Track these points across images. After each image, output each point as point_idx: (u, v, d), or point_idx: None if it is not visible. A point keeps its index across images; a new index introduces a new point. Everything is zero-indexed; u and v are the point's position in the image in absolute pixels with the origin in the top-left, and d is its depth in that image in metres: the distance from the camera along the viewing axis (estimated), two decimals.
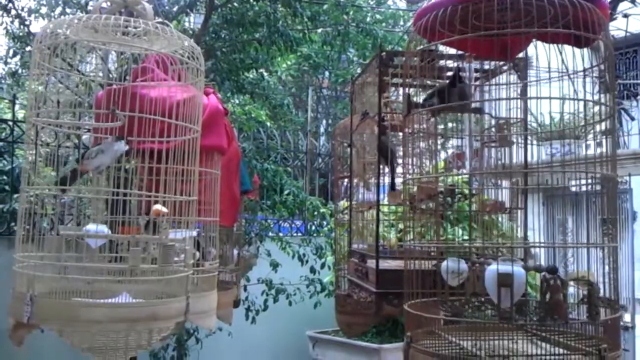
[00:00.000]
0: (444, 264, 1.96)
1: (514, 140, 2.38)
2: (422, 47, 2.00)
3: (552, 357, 1.63)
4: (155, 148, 2.47)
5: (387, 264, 2.43)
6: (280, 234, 5.66)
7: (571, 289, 1.72)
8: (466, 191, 2.60)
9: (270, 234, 5.33)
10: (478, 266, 1.94)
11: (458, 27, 1.96)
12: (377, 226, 2.53)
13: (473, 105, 2.25)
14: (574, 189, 2.27)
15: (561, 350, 1.70)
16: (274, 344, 5.61)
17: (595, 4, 1.88)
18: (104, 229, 2.32)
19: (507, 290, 1.59)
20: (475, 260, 1.96)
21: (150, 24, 2.12)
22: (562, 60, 2.04)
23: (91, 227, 2.30)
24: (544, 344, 1.80)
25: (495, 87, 2.46)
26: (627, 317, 6.07)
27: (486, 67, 2.56)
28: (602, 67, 1.99)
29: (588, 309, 1.64)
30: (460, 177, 2.91)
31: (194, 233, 2.27)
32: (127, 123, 2.17)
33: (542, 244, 2.54)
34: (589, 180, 1.96)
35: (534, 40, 2.05)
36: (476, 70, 2.57)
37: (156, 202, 2.15)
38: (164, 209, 2.14)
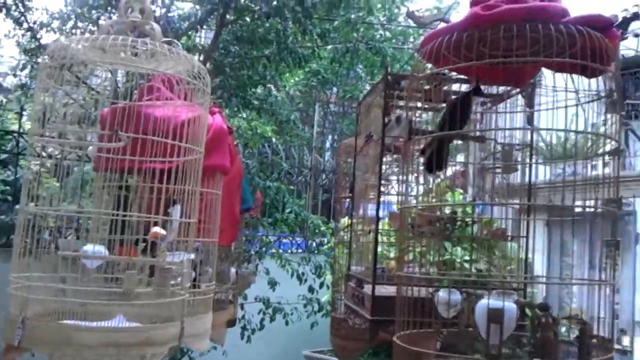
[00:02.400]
0: (438, 295, 1.92)
1: (518, 167, 2.34)
2: (427, 72, 1.98)
3: None
4: (157, 168, 2.46)
5: (384, 290, 2.39)
6: (281, 250, 5.63)
7: (564, 328, 1.68)
8: (467, 218, 2.56)
9: (271, 250, 5.30)
10: (474, 298, 1.90)
11: (464, 53, 1.93)
12: (375, 252, 2.49)
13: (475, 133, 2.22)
14: (578, 209, 2.24)
15: None
16: None
17: (605, 33, 1.85)
18: (101, 249, 2.29)
19: (496, 327, 1.54)
20: (470, 291, 1.92)
21: (158, 45, 2.11)
22: (572, 81, 2.01)
23: (89, 247, 2.28)
24: None
25: (502, 113, 2.43)
26: (625, 341, 6.00)
27: (494, 91, 2.53)
28: (611, 86, 1.95)
29: (579, 348, 1.60)
30: (461, 203, 2.88)
31: (192, 256, 2.24)
32: (132, 142, 2.16)
33: (541, 280, 2.48)
34: (593, 202, 1.92)
35: (542, 68, 2.02)
36: (484, 95, 2.55)
37: (155, 224, 2.12)
38: (162, 231, 2.11)
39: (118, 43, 2.01)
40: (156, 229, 2.09)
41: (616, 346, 5.81)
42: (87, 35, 2.75)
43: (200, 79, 2.23)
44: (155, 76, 2.56)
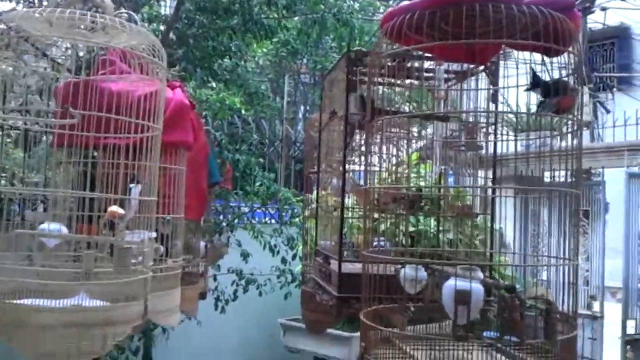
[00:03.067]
0: (403, 271, 1.94)
1: (482, 145, 2.35)
2: (388, 50, 1.95)
3: None
4: (116, 144, 2.41)
5: (350, 267, 2.40)
6: (255, 220, 5.63)
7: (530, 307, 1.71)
8: (433, 195, 2.58)
9: (243, 222, 5.29)
10: (437, 274, 1.92)
11: (426, 31, 1.91)
12: (341, 229, 2.50)
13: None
14: (547, 179, 2.26)
15: None
16: (245, 333, 5.60)
17: (567, 14, 1.84)
18: (60, 227, 2.25)
19: (463, 308, 1.57)
20: (435, 267, 1.94)
21: (109, 19, 2.04)
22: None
23: (45, 225, 2.24)
24: (499, 356, 1.80)
25: (466, 91, 2.43)
26: (596, 307, 6.18)
27: (457, 68, 2.53)
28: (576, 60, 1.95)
29: (545, 327, 1.63)
30: (427, 181, 2.90)
31: (153, 234, 2.22)
32: (88, 118, 2.10)
33: (511, 262, 2.51)
34: (562, 173, 1.94)
35: (503, 46, 2.01)
36: (448, 72, 2.54)
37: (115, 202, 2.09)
38: (120, 210, 2.08)
39: (66, 16, 1.93)
40: (113, 208, 2.06)
41: (586, 312, 6.02)
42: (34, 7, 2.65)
43: (156, 54, 2.17)
44: (111, 49, 2.49)
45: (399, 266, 2.07)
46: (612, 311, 6.23)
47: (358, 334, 5.06)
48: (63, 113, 2.14)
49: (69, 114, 2.04)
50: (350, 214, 3.16)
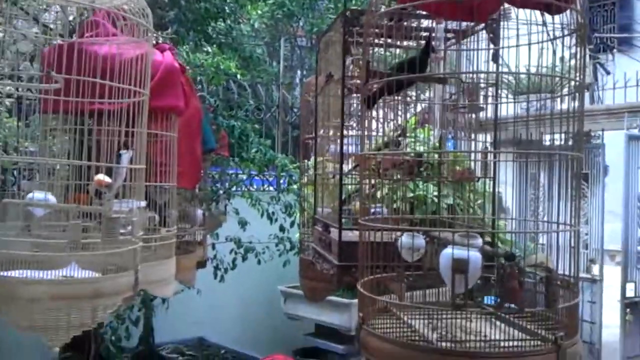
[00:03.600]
0: (401, 240, 1.89)
1: (483, 106, 2.27)
2: (383, 9, 1.86)
3: (507, 343, 1.59)
4: (103, 109, 2.33)
5: (350, 235, 2.35)
6: (253, 187, 5.57)
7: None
8: (433, 160, 2.51)
9: (240, 190, 5.23)
10: (436, 241, 1.87)
11: None
12: (340, 197, 2.43)
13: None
14: (547, 143, 2.20)
15: (517, 333, 1.66)
16: (245, 301, 5.61)
17: None
18: (47, 196, 2.19)
19: (461, 277, 1.51)
20: (433, 235, 1.88)
21: None
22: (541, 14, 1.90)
23: (36, 195, 2.17)
24: (499, 323, 1.76)
25: (466, 51, 2.33)
26: (595, 270, 6.18)
27: (457, 27, 2.42)
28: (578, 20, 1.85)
29: (545, 296, 1.59)
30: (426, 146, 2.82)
31: (143, 203, 2.16)
32: (73, 82, 2.02)
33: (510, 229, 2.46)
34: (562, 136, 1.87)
35: (503, 3, 1.91)
36: (447, 31, 2.44)
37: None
38: (107, 179, 2.01)
39: None
40: (100, 177, 1.99)
41: (586, 275, 6.02)
42: None
43: (142, 13, 2.07)
44: (97, 11, 2.38)
45: (398, 233, 2.02)
46: (612, 274, 6.24)
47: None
48: (47, 77, 2.06)
49: (52, 78, 1.95)
50: (348, 181, 3.10)
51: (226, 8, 4.70)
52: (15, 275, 1.93)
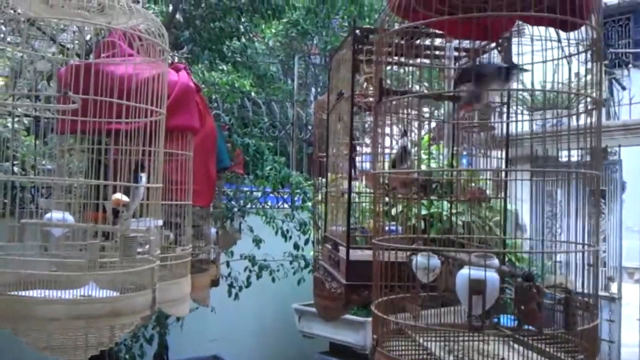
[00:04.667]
0: (416, 259, 1.87)
1: (494, 126, 2.27)
2: (396, 27, 1.87)
3: None
4: (120, 129, 2.36)
5: (359, 253, 2.34)
6: (268, 204, 5.57)
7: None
8: (443, 179, 2.50)
9: (254, 207, 5.24)
10: (451, 261, 1.85)
11: (435, 6, 1.82)
12: (348, 215, 2.43)
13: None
14: (564, 159, 2.18)
15: (536, 357, 1.63)
16: (259, 319, 5.59)
17: None
18: (67, 216, 2.22)
19: (478, 298, 1.50)
20: (449, 255, 1.87)
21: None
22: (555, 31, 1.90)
23: (54, 214, 2.20)
24: (517, 346, 1.73)
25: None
26: (613, 288, 6.09)
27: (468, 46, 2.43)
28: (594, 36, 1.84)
29: (565, 318, 1.56)
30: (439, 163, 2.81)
31: (160, 222, 2.18)
32: (90, 103, 2.05)
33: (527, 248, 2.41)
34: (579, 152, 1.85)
35: (517, 21, 1.92)
36: (457, 50, 2.44)
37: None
38: (125, 198, 2.03)
39: None
40: (117, 196, 2.01)
41: (604, 293, 5.92)
42: None
43: (158, 34, 2.10)
44: (112, 32, 2.43)
45: (409, 254, 2.00)
46: (630, 292, 6.13)
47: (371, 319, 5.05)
48: (64, 98, 2.09)
49: (70, 98, 1.99)
50: (361, 199, 3.09)
51: (241, 27, 4.75)
52: (34, 295, 1.94)
